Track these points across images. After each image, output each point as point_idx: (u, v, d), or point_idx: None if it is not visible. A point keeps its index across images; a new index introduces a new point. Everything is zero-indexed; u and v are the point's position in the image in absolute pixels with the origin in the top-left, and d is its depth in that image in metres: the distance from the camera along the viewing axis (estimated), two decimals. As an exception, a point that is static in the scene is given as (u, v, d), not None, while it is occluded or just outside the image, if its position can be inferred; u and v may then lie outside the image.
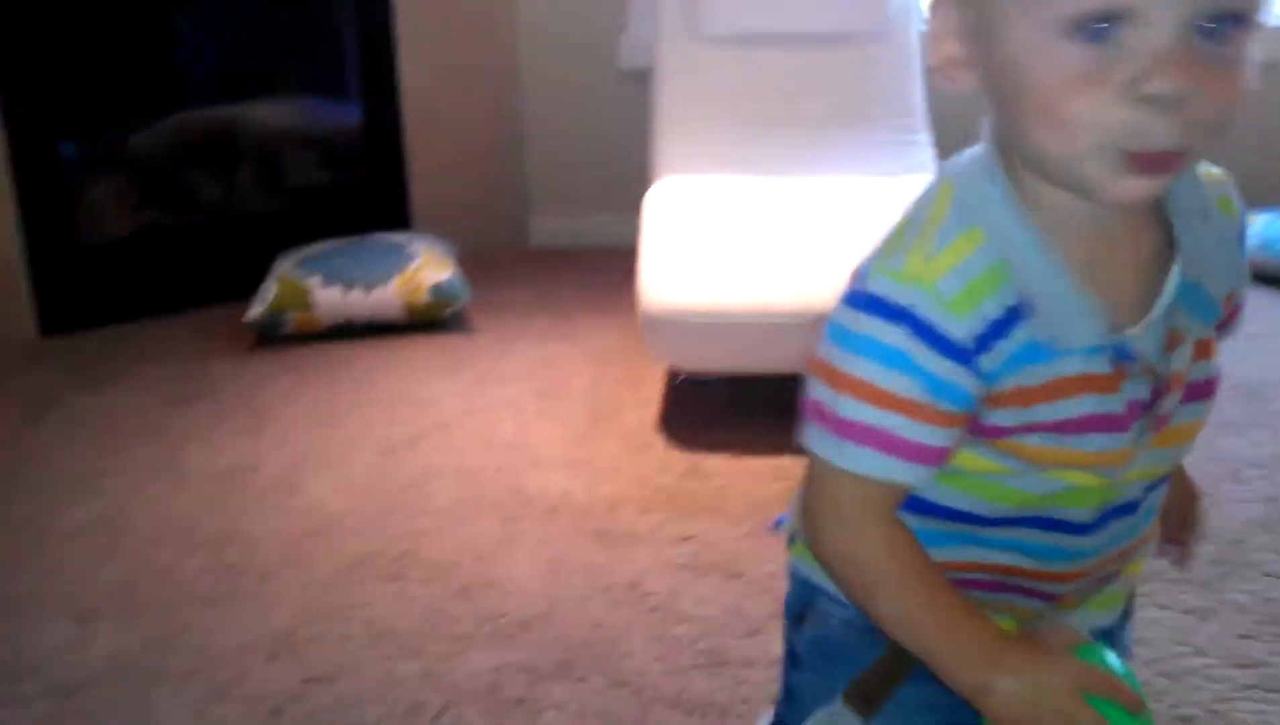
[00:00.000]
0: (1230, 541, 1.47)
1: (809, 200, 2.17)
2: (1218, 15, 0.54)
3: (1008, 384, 0.61)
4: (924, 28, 2.81)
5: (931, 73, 0.63)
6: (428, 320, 2.39)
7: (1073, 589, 0.71)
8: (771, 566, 1.42)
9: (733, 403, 1.97)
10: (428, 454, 1.79)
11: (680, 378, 2.03)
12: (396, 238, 2.53)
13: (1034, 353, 0.61)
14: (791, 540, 0.80)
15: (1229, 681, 1.19)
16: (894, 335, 0.59)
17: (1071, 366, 0.61)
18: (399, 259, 2.38)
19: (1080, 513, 0.67)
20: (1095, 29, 0.54)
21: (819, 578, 0.75)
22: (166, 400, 2.06)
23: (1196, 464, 1.83)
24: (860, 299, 0.61)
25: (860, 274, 0.62)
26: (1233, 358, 2.12)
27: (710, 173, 2.40)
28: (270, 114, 2.73)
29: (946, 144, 2.70)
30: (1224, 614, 1.31)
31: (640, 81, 2.94)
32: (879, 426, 0.60)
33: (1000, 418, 0.62)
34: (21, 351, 2.37)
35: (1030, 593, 0.71)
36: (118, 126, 2.52)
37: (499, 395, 2.05)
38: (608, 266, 2.96)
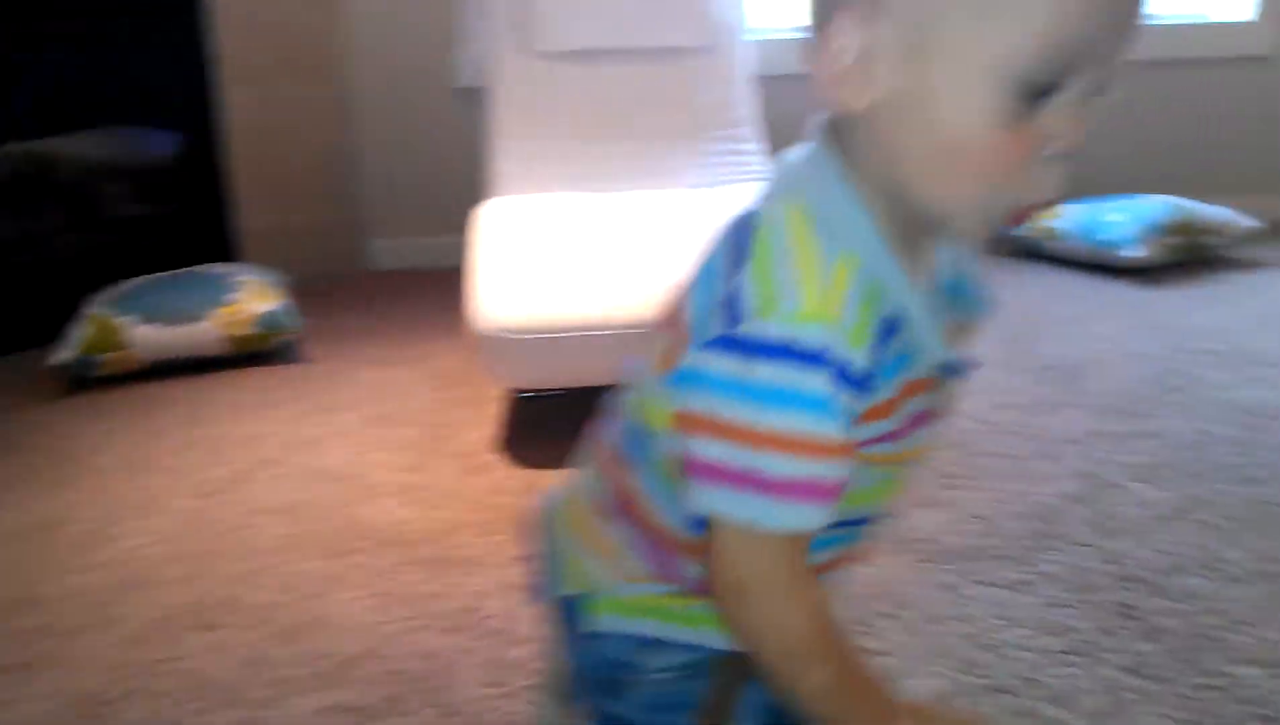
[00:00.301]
0: (1044, 516, 1.54)
1: (639, 214, 2.19)
2: (1104, 82, 0.56)
3: (879, 398, 0.61)
4: (751, 39, 2.89)
5: (816, 83, 0.61)
6: (255, 352, 2.29)
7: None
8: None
9: (570, 416, 1.96)
10: (253, 493, 1.71)
11: (522, 395, 2.02)
12: (218, 269, 2.42)
13: (897, 366, 0.62)
14: (572, 603, 0.76)
15: (1043, 650, 1.25)
16: (815, 381, 0.56)
17: (915, 373, 0.63)
18: (220, 291, 2.28)
19: (881, 503, 0.70)
20: (1037, 93, 0.54)
21: (645, 630, 0.72)
22: (-35, 456, 1.91)
23: (1013, 442, 1.91)
24: (758, 346, 0.57)
25: (737, 317, 0.58)
26: (1050, 339, 2.26)
27: (542, 189, 2.40)
28: (83, 148, 2.58)
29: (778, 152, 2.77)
30: (1038, 585, 1.38)
31: (476, 100, 2.92)
32: (812, 478, 0.58)
33: (866, 432, 0.62)
34: None
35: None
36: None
37: (331, 425, 1.98)
38: (449, 287, 2.91)
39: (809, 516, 0.58)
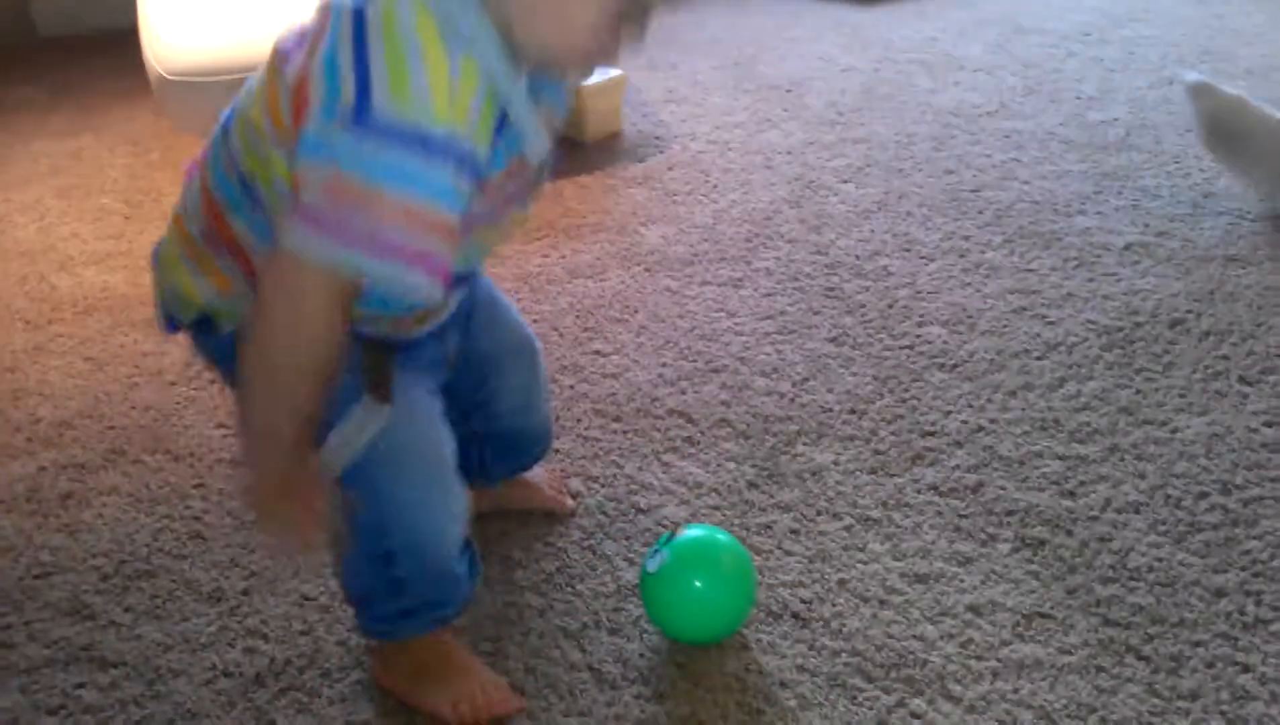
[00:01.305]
0: (761, 220, 1.63)
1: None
2: None
3: (490, 181, 0.70)
4: None
5: None
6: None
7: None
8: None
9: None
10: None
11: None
12: None
13: (505, 154, 0.70)
14: (201, 324, 0.80)
15: (755, 332, 1.35)
16: (442, 171, 0.63)
17: (516, 160, 0.71)
18: None
19: (474, 265, 0.82)
20: None
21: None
22: None
23: (735, 157, 1.97)
24: (390, 131, 0.61)
25: (366, 98, 0.62)
26: (770, 61, 2.30)
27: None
28: None
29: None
30: (754, 280, 1.47)
31: None
32: (425, 250, 0.64)
33: (474, 209, 0.69)
34: None
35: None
36: None
37: (14, 201, 1.77)
38: (128, 47, 2.61)
39: (415, 282, 0.64)
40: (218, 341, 0.80)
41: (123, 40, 2.67)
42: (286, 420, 0.69)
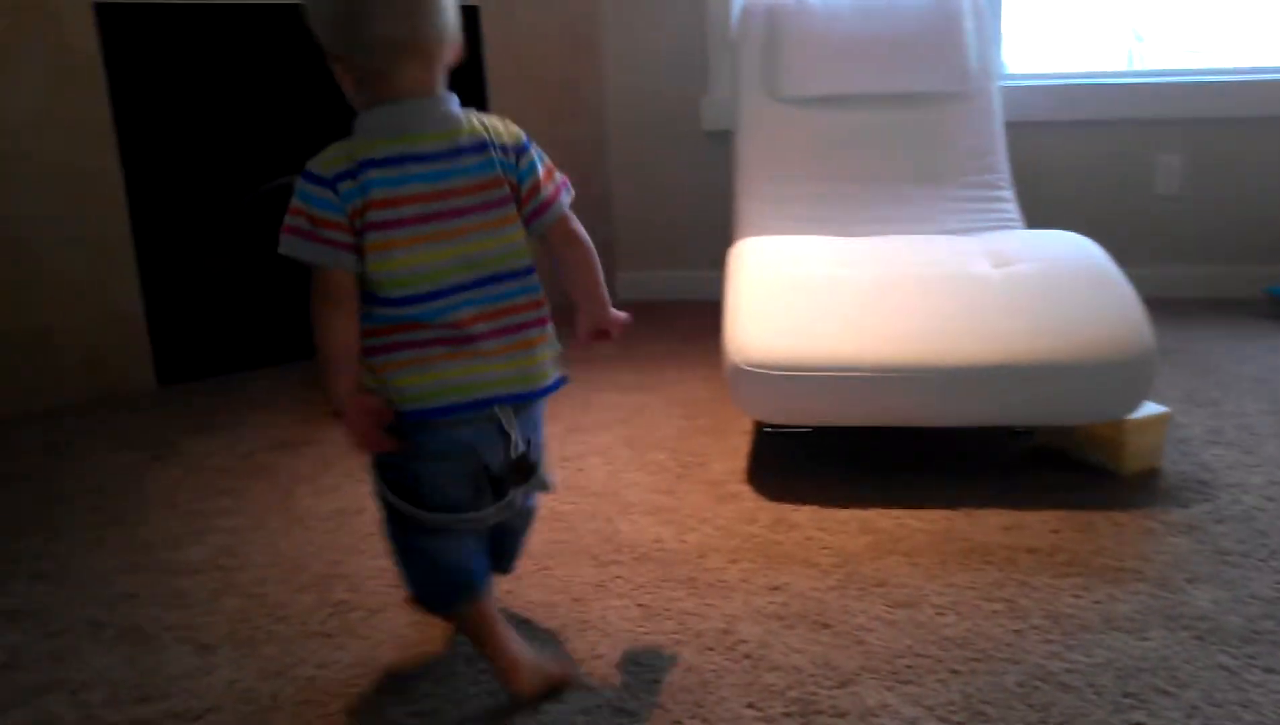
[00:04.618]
0: None
1: (888, 257, 2.20)
2: None
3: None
4: (1004, 84, 2.85)
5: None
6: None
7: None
8: (861, 618, 1.44)
9: (818, 455, 2.00)
10: (522, 500, 1.85)
11: (767, 428, 2.07)
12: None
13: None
14: None
15: None
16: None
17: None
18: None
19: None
20: None
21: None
22: (275, 445, 2.16)
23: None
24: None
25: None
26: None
27: (792, 230, 2.45)
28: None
29: (1029, 198, 2.72)
30: None
31: (724, 142, 3.02)
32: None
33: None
34: (142, 399, 2.52)
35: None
36: (227, 192, 2.67)
37: (588, 444, 2.10)
38: (690, 319, 3.03)
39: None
40: None
41: (685, 310, 3.13)
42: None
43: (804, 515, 1.75)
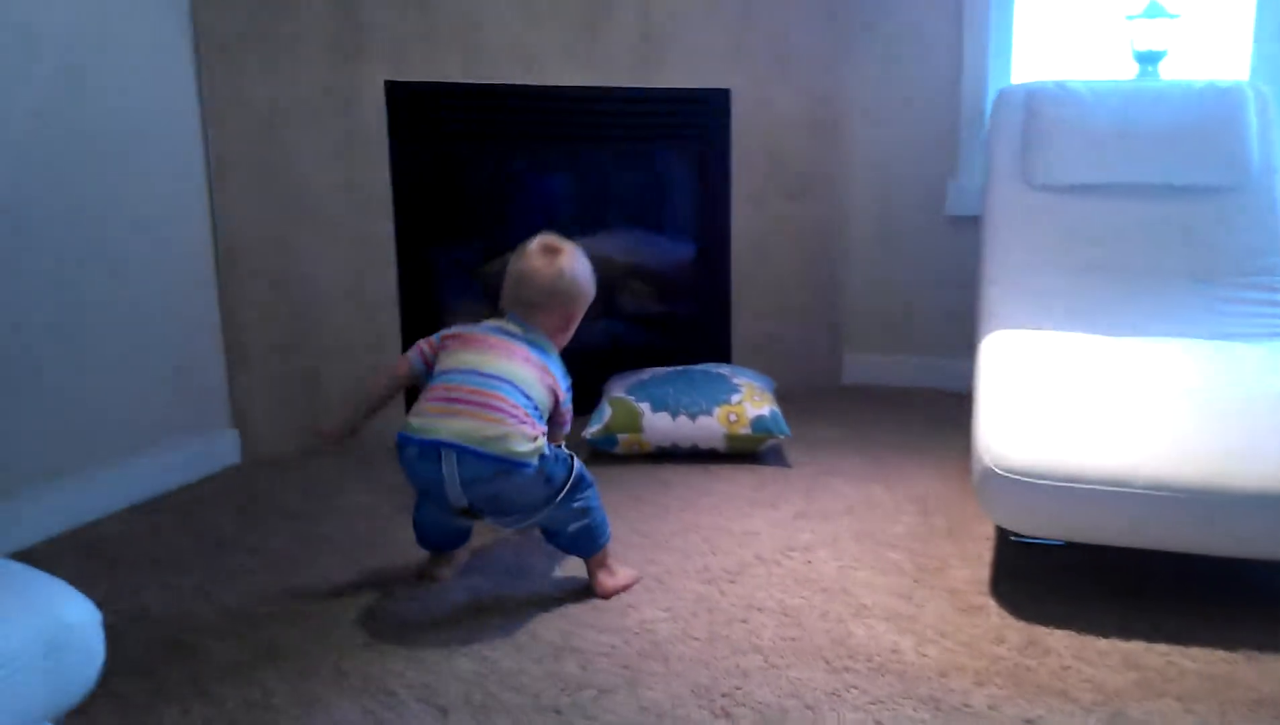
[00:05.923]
0: None
1: (1158, 361, 2.04)
2: None
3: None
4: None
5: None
6: (745, 451, 2.43)
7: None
8: (1134, 767, 1.29)
9: (1073, 572, 1.85)
10: (750, 588, 1.80)
11: (1013, 537, 1.94)
12: (721, 369, 2.62)
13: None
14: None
15: None
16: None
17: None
18: (723, 391, 2.46)
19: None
20: None
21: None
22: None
23: None
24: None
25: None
26: None
27: (1045, 324, 2.32)
28: (614, 248, 2.95)
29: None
30: None
31: (965, 227, 2.92)
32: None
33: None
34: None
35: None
36: (482, 251, 2.81)
37: (817, 533, 2.04)
38: (923, 408, 2.91)
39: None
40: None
41: (913, 398, 3.02)
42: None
43: (1059, 640, 1.61)
